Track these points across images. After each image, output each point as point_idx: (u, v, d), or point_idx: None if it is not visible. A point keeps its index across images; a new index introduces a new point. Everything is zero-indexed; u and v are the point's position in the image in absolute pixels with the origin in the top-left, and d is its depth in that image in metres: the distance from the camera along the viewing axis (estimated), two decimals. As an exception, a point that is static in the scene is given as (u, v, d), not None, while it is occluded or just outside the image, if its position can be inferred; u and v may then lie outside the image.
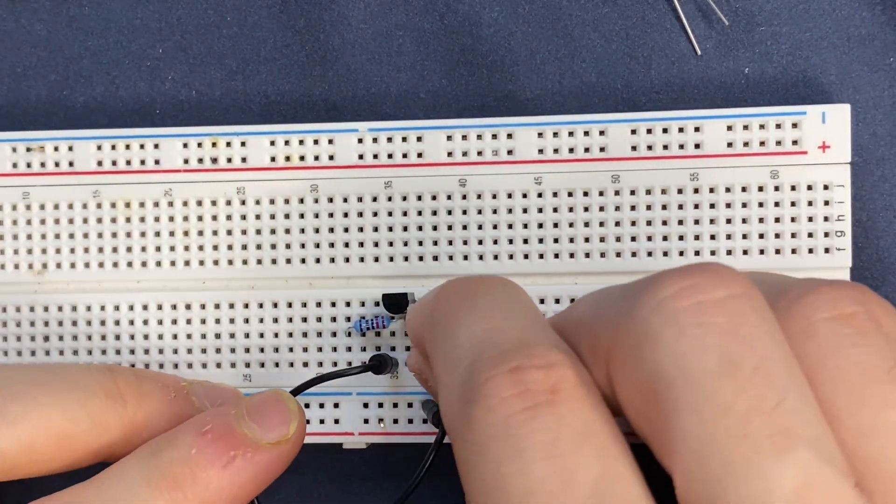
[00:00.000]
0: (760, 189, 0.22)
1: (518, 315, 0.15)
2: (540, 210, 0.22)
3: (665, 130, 0.22)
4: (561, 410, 0.13)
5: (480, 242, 0.23)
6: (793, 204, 0.22)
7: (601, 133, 0.22)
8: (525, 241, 0.22)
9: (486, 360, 0.14)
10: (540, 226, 0.22)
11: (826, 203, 0.22)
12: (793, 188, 0.22)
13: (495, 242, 0.23)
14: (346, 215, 0.23)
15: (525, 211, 0.22)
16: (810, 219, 0.22)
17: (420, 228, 0.23)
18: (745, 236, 0.22)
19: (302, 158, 0.23)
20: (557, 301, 0.22)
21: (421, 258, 0.23)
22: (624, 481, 0.12)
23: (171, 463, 0.17)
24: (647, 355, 0.13)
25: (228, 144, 0.23)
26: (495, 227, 0.23)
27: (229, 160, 0.23)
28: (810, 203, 0.22)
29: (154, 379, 0.20)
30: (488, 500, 0.13)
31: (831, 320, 0.13)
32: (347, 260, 0.23)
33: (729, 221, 0.22)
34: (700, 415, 0.12)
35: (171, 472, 0.17)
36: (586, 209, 0.22)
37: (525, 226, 0.22)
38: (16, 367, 0.19)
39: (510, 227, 0.22)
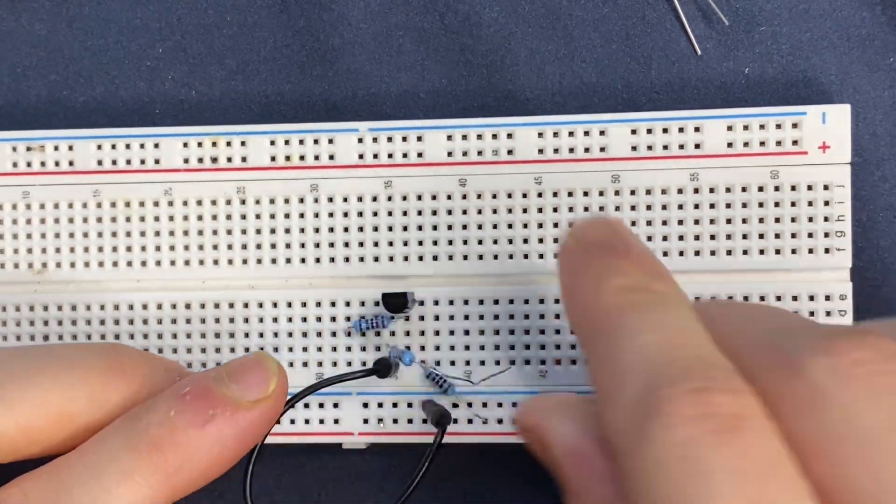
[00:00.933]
0: (760, 189, 0.22)
1: (691, 332, 0.15)
2: (540, 210, 0.22)
3: (665, 130, 0.22)
4: (748, 439, 0.13)
5: (480, 242, 0.23)
6: (793, 204, 0.22)
7: (601, 133, 0.22)
8: (525, 241, 0.22)
9: (665, 377, 0.13)
10: (540, 226, 0.22)
11: (826, 203, 0.22)
12: (793, 188, 0.22)
13: (495, 242, 0.22)
14: (346, 215, 0.23)
15: (525, 211, 0.22)
16: (810, 219, 0.22)
17: (420, 228, 0.23)
18: (745, 236, 0.22)
19: (302, 158, 0.23)
20: (557, 301, 0.22)
21: (421, 258, 0.23)
22: None
23: (149, 426, 0.17)
24: (817, 414, 0.13)
25: (228, 144, 0.23)
26: (495, 227, 0.22)
27: (229, 160, 0.23)
28: (810, 203, 0.22)
29: (160, 360, 0.20)
30: None
31: None
32: (347, 260, 0.23)
33: (729, 221, 0.22)
34: (875, 469, 0.12)
35: (150, 435, 0.17)
36: (586, 209, 0.22)
37: (525, 226, 0.22)
38: (14, 350, 0.19)
39: (510, 227, 0.22)
